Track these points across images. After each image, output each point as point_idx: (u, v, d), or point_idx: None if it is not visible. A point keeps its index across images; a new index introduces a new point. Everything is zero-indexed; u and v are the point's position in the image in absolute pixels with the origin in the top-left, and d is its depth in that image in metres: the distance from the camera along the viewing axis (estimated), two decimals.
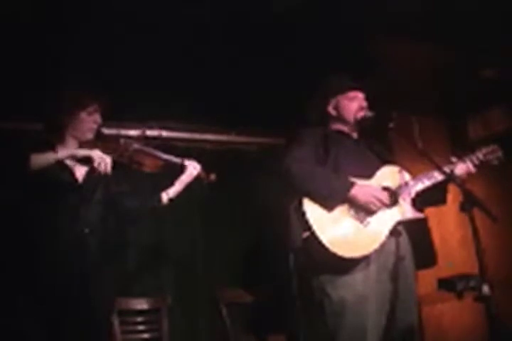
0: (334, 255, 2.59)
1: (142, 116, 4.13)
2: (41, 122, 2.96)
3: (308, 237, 2.63)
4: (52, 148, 2.79)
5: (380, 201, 2.71)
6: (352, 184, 2.71)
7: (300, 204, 2.69)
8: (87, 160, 2.74)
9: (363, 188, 2.71)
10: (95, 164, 2.68)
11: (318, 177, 2.73)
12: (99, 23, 3.68)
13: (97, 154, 2.71)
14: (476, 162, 2.98)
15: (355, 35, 4.19)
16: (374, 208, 2.70)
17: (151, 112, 4.12)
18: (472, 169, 2.96)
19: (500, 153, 3.04)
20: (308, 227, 2.63)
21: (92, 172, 2.74)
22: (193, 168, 3.11)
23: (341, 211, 2.71)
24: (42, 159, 2.63)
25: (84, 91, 2.95)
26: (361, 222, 2.71)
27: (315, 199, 2.68)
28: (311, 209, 2.67)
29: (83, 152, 2.74)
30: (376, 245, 2.67)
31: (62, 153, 2.71)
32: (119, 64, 3.87)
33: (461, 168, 2.93)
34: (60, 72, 3.72)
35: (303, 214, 2.66)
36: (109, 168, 2.70)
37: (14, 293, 2.68)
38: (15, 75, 3.66)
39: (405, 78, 4.62)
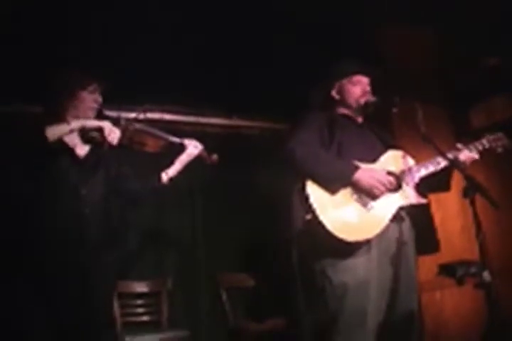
0: (336, 238, 2.58)
1: (144, 100, 4.11)
2: (40, 105, 2.95)
3: (310, 220, 2.62)
4: None
5: (384, 185, 2.70)
6: (356, 168, 2.69)
7: (303, 187, 2.67)
8: (89, 139, 2.74)
9: (367, 172, 2.70)
10: (106, 134, 2.68)
11: (322, 160, 2.72)
12: (101, 7, 3.66)
13: (107, 125, 2.72)
14: (481, 149, 2.98)
15: (357, 23, 4.18)
16: (377, 192, 2.69)
17: (152, 95, 4.11)
18: (476, 156, 2.95)
19: (505, 141, 3.04)
20: (310, 210, 2.61)
21: (100, 145, 2.73)
22: (193, 147, 3.10)
23: (344, 194, 2.69)
24: (56, 130, 2.63)
25: (83, 70, 2.94)
26: (364, 206, 2.70)
27: (318, 182, 2.66)
28: (314, 192, 2.65)
29: (94, 123, 2.74)
30: (378, 229, 2.67)
31: (75, 123, 2.70)
32: (120, 48, 3.85)
33: (465, 155, 2.93)
34: (60, 57, 3.71)
35: (306, 196, 2.64)
36: (116, 140, 2.71)
37: (13, 275, 2.68)
38: (13, 58, 3.65)
39: (407, 66, 4.61)
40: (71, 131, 2.67)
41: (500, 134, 3.05)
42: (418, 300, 2.89)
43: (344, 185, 2.69)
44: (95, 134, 2.72)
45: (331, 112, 3.02)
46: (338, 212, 2.64)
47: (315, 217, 2.60)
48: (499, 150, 3.03)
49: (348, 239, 2.59)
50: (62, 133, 2.64)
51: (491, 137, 3.03)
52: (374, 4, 4.07)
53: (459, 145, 2.99)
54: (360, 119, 3.06)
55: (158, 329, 4.09)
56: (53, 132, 2.60)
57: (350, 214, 2.66)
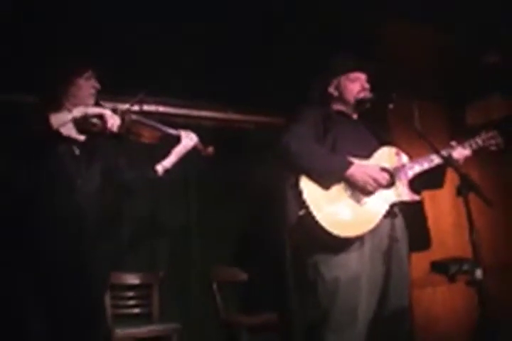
0: (329, 234, 2.58)
1: (140, 92, 4.10)
2: (35, 94, 2.94)
3: (303, 215, 2.61)
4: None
5: (377, 181, 2.69)
6: (350, 163, 2.68)
7: (297, 181, 2.67)
8: (90, 127, 2.73)
9: (361, 168, 2.69)
10: (107, 121, 2.68)
11: (316, 155, 2.71)
12: None
13: (107, 112, 2.71)
14: (475, 147, 2.98)
15: (357, 21, 4.18)
16: (371, 188, 2.68)
17: (149, 88, 4.09)
18: (470, 154, 2.96)
19: (499, 140, 3.03)
20: (304, 205, 2.61)
21: (101, 132, 2.73)
22: (189, 139, 3.10)
23: (338, 190, 2.69)
24: (59, 118, 2.61)
25: (77, 59, 2.94)
26: (357, 201, 2.69)
27: (312, 177, 2.66)
28: (308, 187, 2.65)
29: (95, 110, 2.72)
30: (371, 225, 2.67)
31: (76, 111, 2.67)
32: (117, 40, 3.84)
33: (459, 153, 2.93)
34: (57, 47, 3.69)
35: (299, 192, 2.63)
36: (116, 128, 2.71)
37: (10, 268, 2.67)
38: (7, 47, 3.64)
39: (405, 63, 4.60)
40: (74, 119, 2.66)
41: (494, 132, 3.05)
42: (409, 296, 2.90)
43: (337, 180, 2.68)
44: (96, 121, 2.72)
45: (326, 108, 3.01)
46: (332, 208, 2.64)
47: (308, 213, 2.60)
48: (493, 148, 3.03)
49: (341, 234, 2.59)
50: (64, 121, 2.63)
51: (485, 135, 3.03)
52: (374, 3, 4.07)
53: (453, 143, 2.99)
54: (355, 116, 3.05)
55: (149, 322, 4.10)
56: (57, 120, 2.58)
57: (344, 210, 2.66)
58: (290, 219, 2.67)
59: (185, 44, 4.11)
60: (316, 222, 2.58)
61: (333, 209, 2.64)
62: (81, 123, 2.72)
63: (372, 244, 2.70)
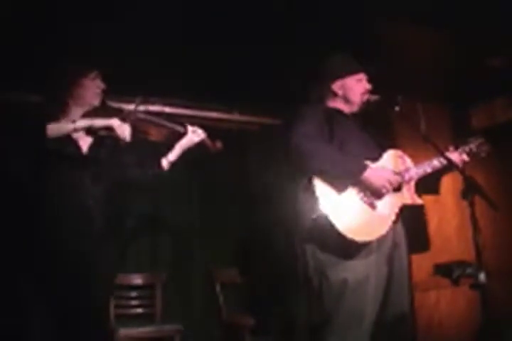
0: (344, 238, 2.52)
1: (145, 93, 4.10)
2: (40, 94, 2.94)
3: (316, 219, 2.56)
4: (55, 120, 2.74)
5: (392, 185, 2.66)
6: (365, 166, 2.64)
7: (310, 184, 2.61)
8: (101, 139, 2.74)
9: (377, 171, 2.65)
10: (118, 132, 2.67)
11: (329, 156, 2.64)
12: None
13: (116, 123, 2.68)
14: (469, 152, 2.99)
15: (357, 22, 4.17)
16: (385, 191, 2.65)
17: (153, 88, 4.10)
18: (466, 158, 2.96)
19: (487, 147, 3.04)
20: (317, 209, 2.55)
21: (114, 142, 2.73)
22: (195, 134, 3.06)
23: (351, 193, 2.63)
24: (58, 129, 2.59)
25: (83, 59, 2.95)
26: (370, 205, 2.65)
27: (325, 178, 2.60)
28: (322, 190, 2.59)
29: (102, 122, 2.68)
30: (384, 230, 2.63)
31: (80, 123, 2.64)
32: (121, 39, 3.84)
33: (456, 157, 2.93)
34: (59, 48, 3.70)
35: (313, 194, 2.58)
36: (129, 137, 2.70)
37: (15, 269, 2.68)
38: (12, 47, 3.64)
39: (409, 65, 4.59)
40: (75, 130, 2.63)
41: (482, 140, 3.05)
42: (412, 300, 2.88)
43: (352, 183, 2.63)
44: (104, 133, 2.70)
45: (325, 106, 2.97)
46: (347, 212, 2.58)
47: (323, 216, 2.55)
48: (482, 155, 3.04)
49: (356, 238, 2.54)
50: (64, 131, 2.61)
51: (475, 143, 3.03)
52: (374, 4, 4.06)
53: (451, 148, 2.99)
54: (352, 115, 2.99)
55: (151, 322, 4.11)
56: (55, 131, 2.57)
57: (358, 214, 2.61)
58: (303, 222, 2.64)
59: (191, 45, 4.10)
60: (332, 227, 2.53)
61: (348, 213, 2.58)
62: (91, 134, 2.72)
63: (378, 248, 2.66)
